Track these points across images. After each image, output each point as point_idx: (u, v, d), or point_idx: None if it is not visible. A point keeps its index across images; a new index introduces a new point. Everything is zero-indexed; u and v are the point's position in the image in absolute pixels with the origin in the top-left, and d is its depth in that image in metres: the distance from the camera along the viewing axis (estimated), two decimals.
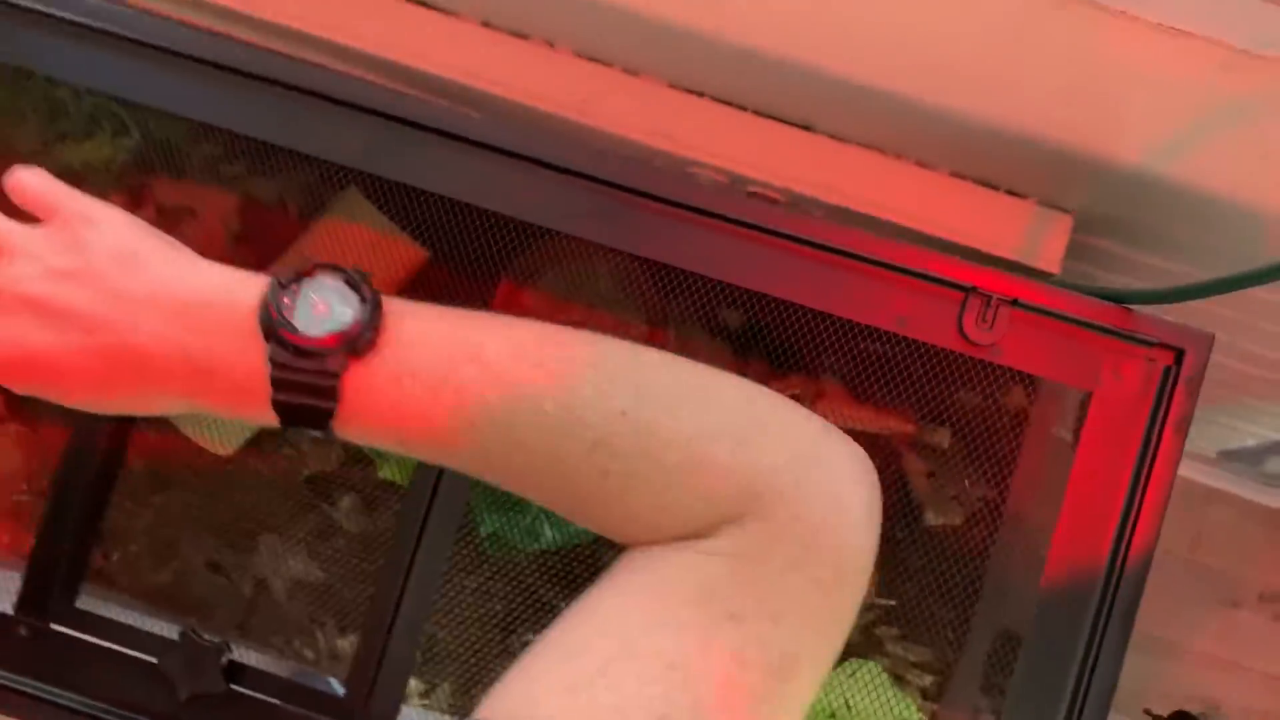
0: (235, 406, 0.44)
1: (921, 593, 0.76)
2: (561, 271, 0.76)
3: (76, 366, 0.44)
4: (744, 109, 0.76)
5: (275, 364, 0.42)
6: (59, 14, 0.65)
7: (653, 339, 0.75)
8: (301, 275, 0.44)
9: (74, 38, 0.65)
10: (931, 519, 0.76)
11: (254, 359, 0.43)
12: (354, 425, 0.43)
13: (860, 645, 0.76)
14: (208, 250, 0.78)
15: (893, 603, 0.75)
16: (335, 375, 0.42)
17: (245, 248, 0.77)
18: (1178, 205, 0.69)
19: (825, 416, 0.76)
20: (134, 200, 0.78)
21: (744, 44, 0.69)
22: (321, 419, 0.43)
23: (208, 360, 0.43)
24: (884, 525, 0.77)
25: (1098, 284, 0.83)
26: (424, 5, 0.77)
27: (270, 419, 0.44)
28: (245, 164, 0.76)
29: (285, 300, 0.43)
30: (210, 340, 0.43)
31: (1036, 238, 0.74)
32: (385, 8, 0.77)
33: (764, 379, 0.76)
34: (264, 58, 0.65)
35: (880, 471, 0.77)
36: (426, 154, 0.63)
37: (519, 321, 0.45)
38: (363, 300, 0.43)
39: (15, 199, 0.51)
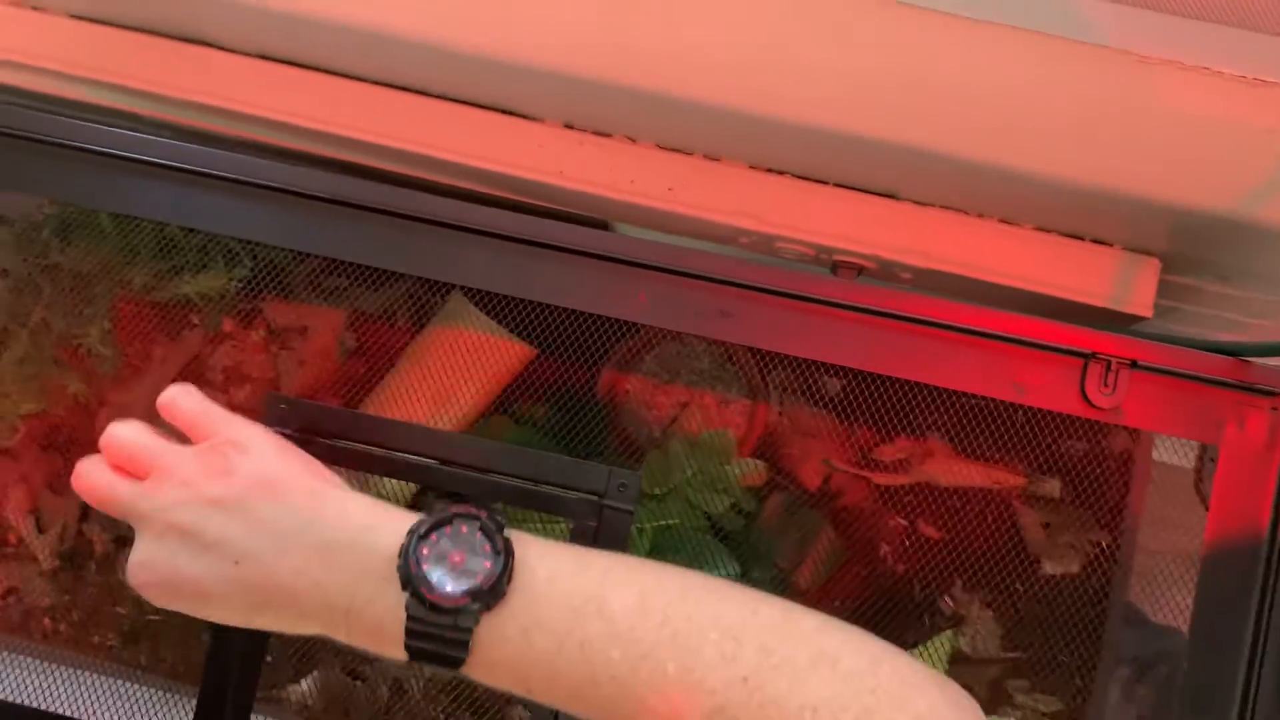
0: (368, 643, 0.46)
1: (1046, 642, 0.76)
2: (661, 354, 0.78)
3: (220, 594, 0.46)
4: (825, 183, 0.78)
5: (411, 617, 0.43)
6: (158, 161, 0.68)
7: (755, 413, 0.77)
8: (439, 524, 0.45)
9: (181, 183, 0.69)
10: (1049, 568, 0.77)
11: (390, 606, 0.44)
12: (480, 671, 0.44)
13: (989, 701, 0.77)
14: (323, 366, 0.81)
15: (1020, 655, 0.76)
16: (468, 631, 0.43)
17: (358, 361, 0.80)
18: (1267, 244, 0.70)
19: (934, 475, 0.78)
20: (245, 323, 0.81)
21: (823, 125, 0.71)
22: (451, 665, 0.44)
23: (345, 600, 0.45)
24: (1003, 579, 0.78)
25: (1189, 321, 0.84)
26: (508, 113, 0.80)
27: (401, 656, 0.45)
28: (353, 278, 0.79)
29: (424, 551, 0.44)
30: (348, 581, 0.45)
31: (1126, 283, 0.75)
32: (470, 117, 0.80)
33: (869, 444, 0.78)
34: (368, 188, 0.68)
35: (994, 525, 0.78)
36: (531, 267, 0.66)
37: (645, 566, 0.45)
38: (497, 552, 0.44)
39: (166, 417, 0.54)
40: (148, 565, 0.47)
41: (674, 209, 0.78)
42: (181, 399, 0.51)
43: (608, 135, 0.80)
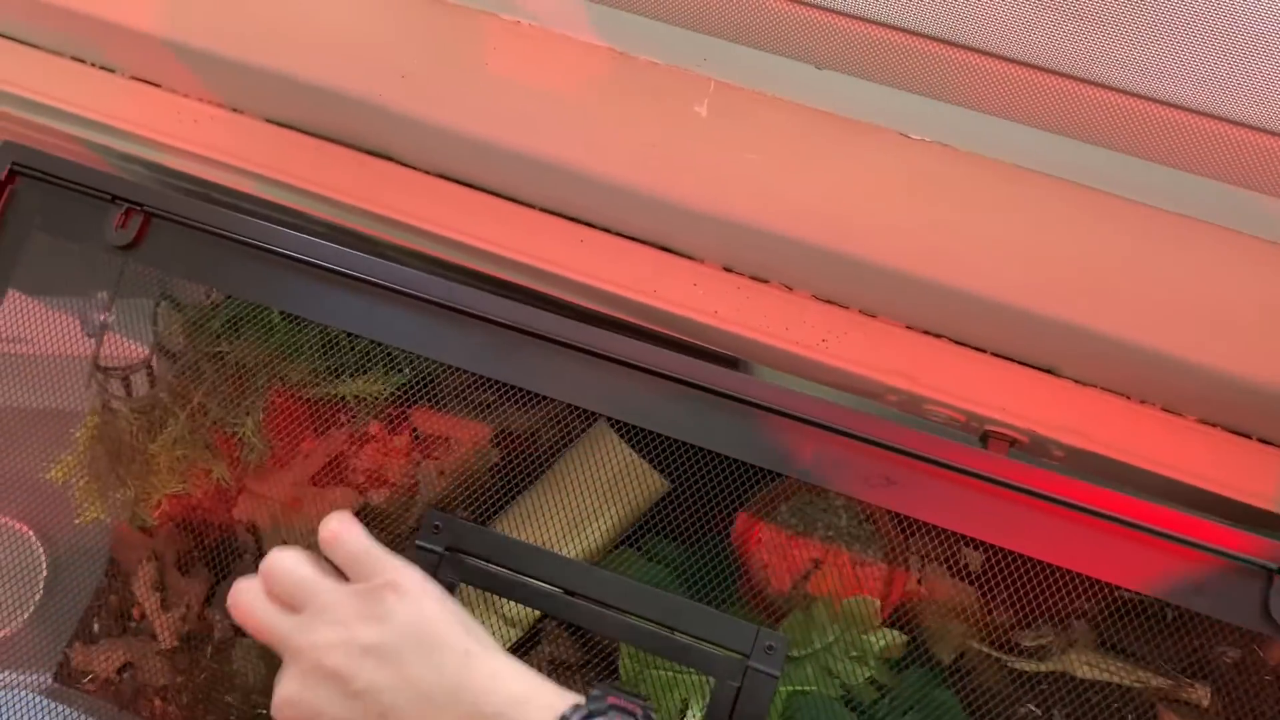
0: None
1: None
2: (797, 505, 0.77)
3: None
4: (984, 351, 0.77)
5: None
6: (327, 265, 0.71)
7: (892, 579, 0.75)
8: (594, 714, 0.43)
9: (348, 289, 0.71)
10: None
11: None
12: None
13: None
14: (462, 479, 0.82)
15: None
16: None
17: (498, 475, 0.80)
18: None
19: (1074, 666, 0.75)
20: (392, 428, 0.83)
21: (987, 295, 0.71)
22: None
23: None
24: None
25: None
26: (670, 251, 0.82)
27: None
28: (501, 394, 0.80)
29: None
30: None
31: None
32: (632, 251, 0.82)
33: (1008, 628, 0.75)
34: (531, 314, 0.70)
35: None
36: (672, 405, 0.66)
37: None
38: None
39: (327, 550, 0.54)
40: (293, 702, 0.47)
41: (825, 360, 0.78)
42: (345, 533, 0.52)
43: (765, 281, 0.80)
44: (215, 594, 0.86)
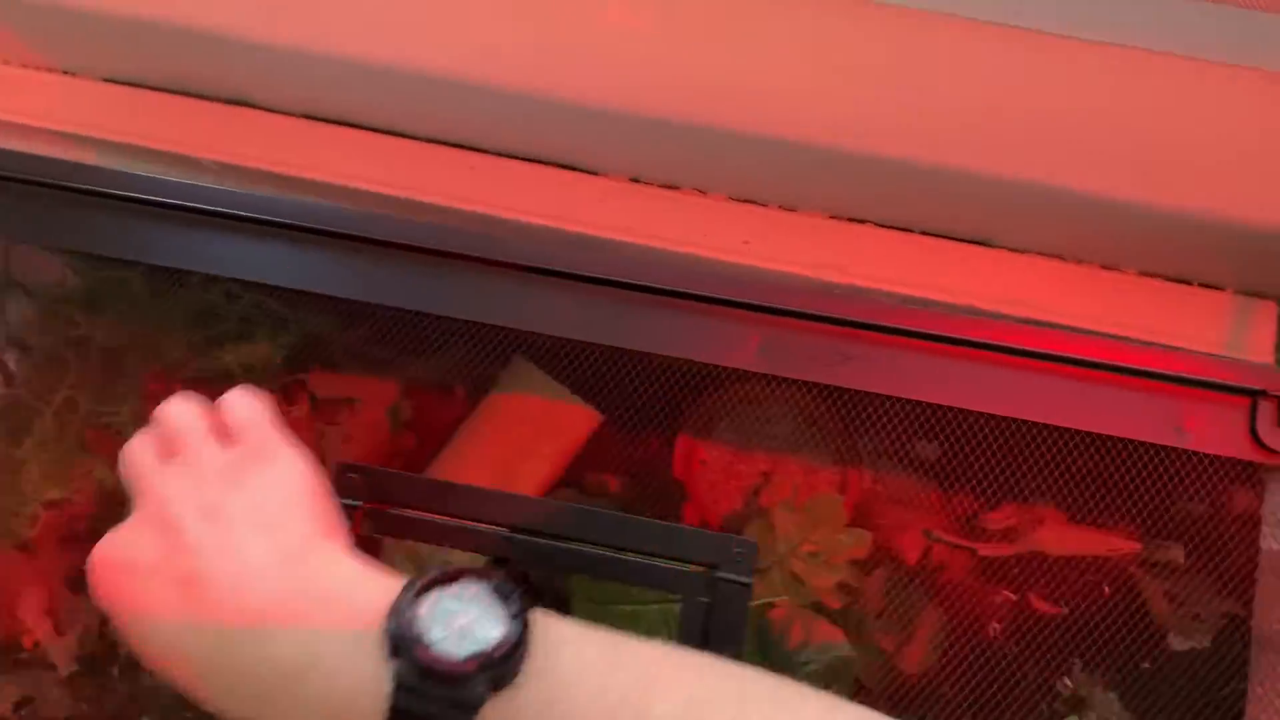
0: None
1: None
2: (738, 419, 0.72)
3: (159, 613, 0.39)
4: (911, 231, 0.73)
5: (400, 686, 0.35)
6: (196, 206, 0.63)
7: (846, 480, 0.71)
8: (439, 580, 0.37)
9: (218, 229, 0.64)
10: (1177, 644, 0.70)
11: (369, 675, 0.35)
12: None
13: None
14: (373, 439, 0.75)
15: None
16: (471, 710, 0.34)
17: (412, 434, 0.73)
18: None
19: (1045, 545, 0.72)
20: (288, 397, 0.75)
21: (904, 158, 0.66)
22: None
23: (306, 660, 0.36)
24: (1129, 658, 0.71)
25: None
26: (571, 168, 0.76)
27: None
28: (406, 347, 0.73)
29: (421, 610, 0.36)
30: (316, 638, 0.36)
31: (1240, 331, 0.70)
32: (532, 174, 0.76)
33: (973, 511, 0.71)
34: (425, 229, 0.63)
35: (1114, 598, 0.71)
36: (588, 305, 0.60)
37: (698, 663, 0.38)
38: (512, 617, 0.36)
39: (224, 413, 0.48)
40: (118, 543, 0.40)
41: (752, 263, 0.73)
42: (239, 404, 0.45)
43: (676, 188, 0.75)
44: None
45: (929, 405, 0.63)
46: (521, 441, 0.69)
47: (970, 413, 0.65)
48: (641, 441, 0.72)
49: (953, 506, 0.71)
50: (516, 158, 0.76)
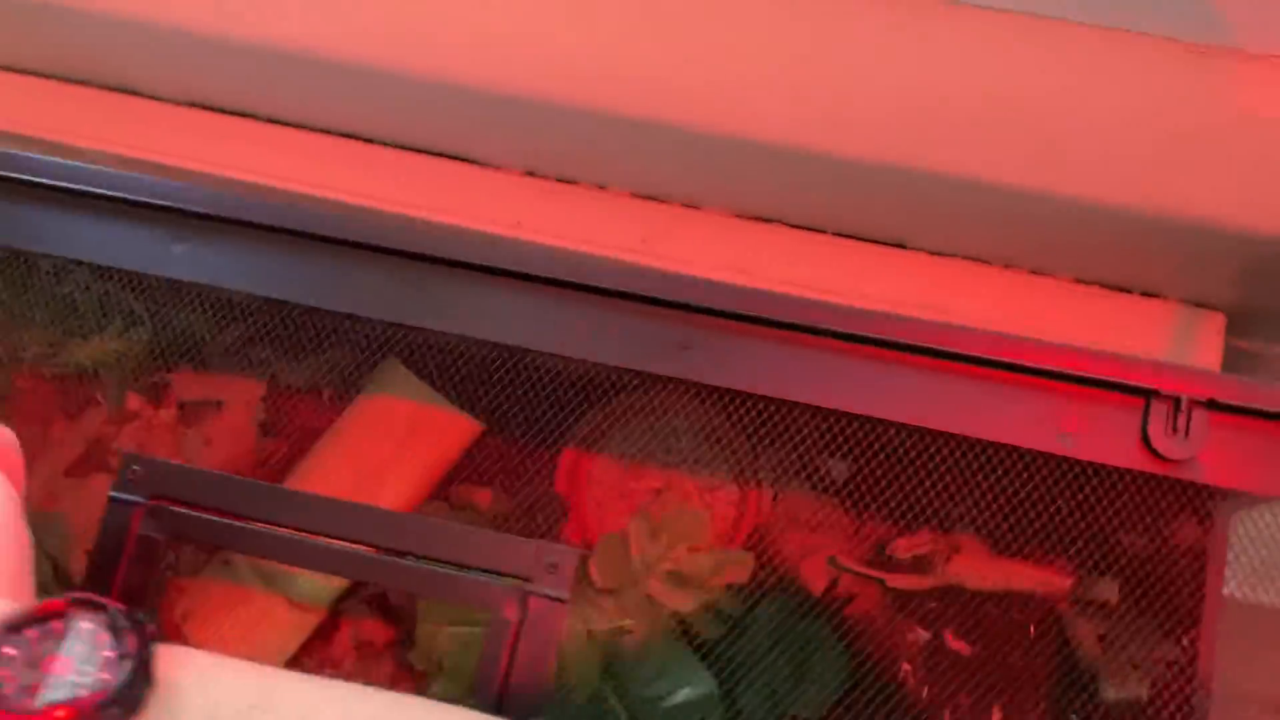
0: None
1: None
2: (632, 432, 0.66)
3: None
4: (823, 231, 0.67)
5: None
6: (62, 185, 0.59)
7: (745, 501, 0.64)
8: (40, 616, 0.31)
9: (83, 209, 0.59)
10: (1110, 692, 0.62)
11: None
12: None
13: None
14: (237, 445, 0.70)
15: None
16: None
17: (275, 441, 0.68)
18: None
19: (963, 577, 0.65)
20: (155, 400, 0.70)
21: (813, 148, 0.61)
22: None
23: None
24: (1055, 706, 0.63)
25: None
26: (464, 160, 0.71)
27: None
28: (273, 348, 0.68)
29: (7, 651, 0.31)
30: None
31: (1184, 344, 0.63)
32: (425, 166, 0.71)
33: (886, 536, 0.64)
34: (285, 209, 0.58)
35: (1041, 638, 0.64)
36: (468, 295, 0.55)
37: (333, 686, 0.33)
38: (123, 656, 0.31)
39: None
40: None
41: (649, 263, 0.68)
42: None
43: (573, 182, 0.70)
44: None
45: (840, 418, 0.57)
46: (387, 451, 0.63)
47: (885, 427, 0.59)
48: (526, 454, 0.66)
49: (864, 531, 0.65)
50: (403, 148, 0.71)
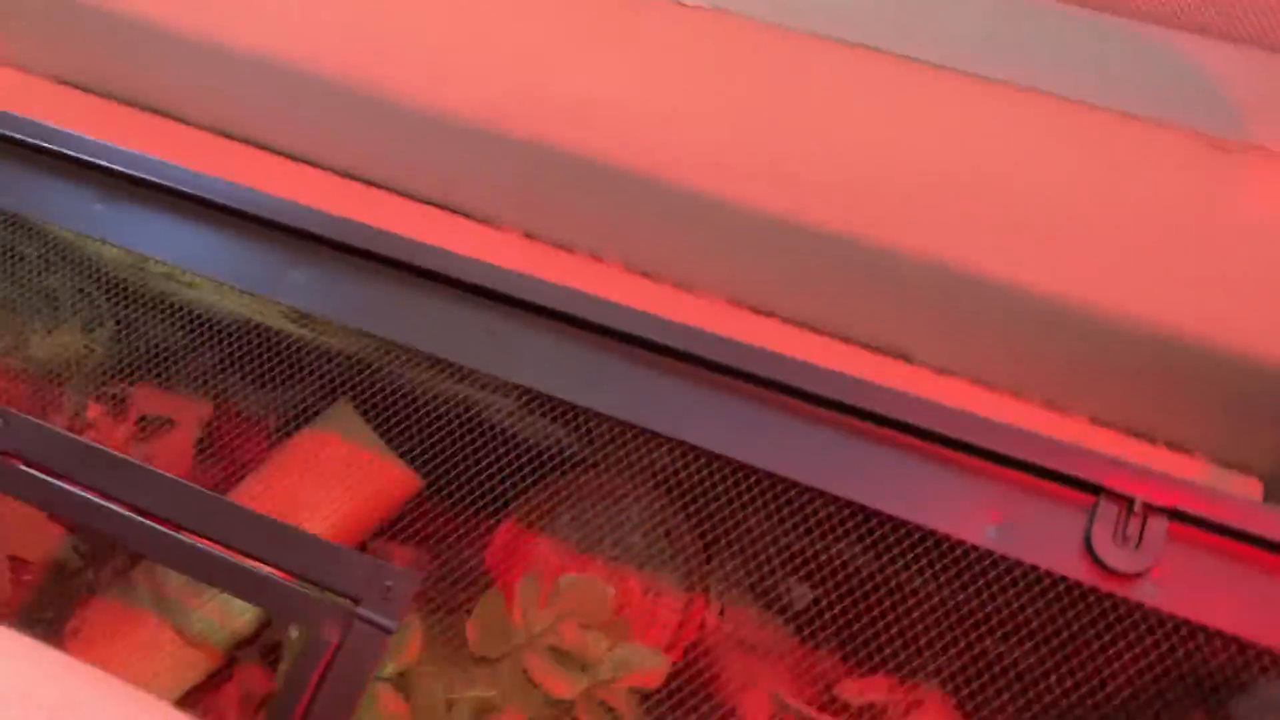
0: None
1: None
2: (580, 514, 0.61)
3: None
4: (820, 332, 0.62)
5: None
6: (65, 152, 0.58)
7: (689, 609, 0.57)
8: None
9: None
10: None
11: None
12: None
13: None
14: (176, 466, 0.67)
15: None
16: None
17: (213, 464, 0.65)
18: None
19: None
20: (118, 410, 0.68)
21: (816, 224, 0.57)
22: None
23: None
24: None
25: None
26: (465, 215, 0.69)
27: None
28: (233, 375, 0.65)
29: None
30: None
31: None
32: (425, 216, 0.69)
33: (839, 676, 0.56)
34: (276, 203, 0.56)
35: None
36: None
37: None
38: None
39: None
40: None
41: None
42: None
43: (570, 250, 0.67)
44: None
45: (805, 540, 0.51)
46: (317, 488, 0.59)
47: (854, 557, 0.52)
48: (464, 520, 0.61)
49: (817, 667, 0.56)
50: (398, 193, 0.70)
